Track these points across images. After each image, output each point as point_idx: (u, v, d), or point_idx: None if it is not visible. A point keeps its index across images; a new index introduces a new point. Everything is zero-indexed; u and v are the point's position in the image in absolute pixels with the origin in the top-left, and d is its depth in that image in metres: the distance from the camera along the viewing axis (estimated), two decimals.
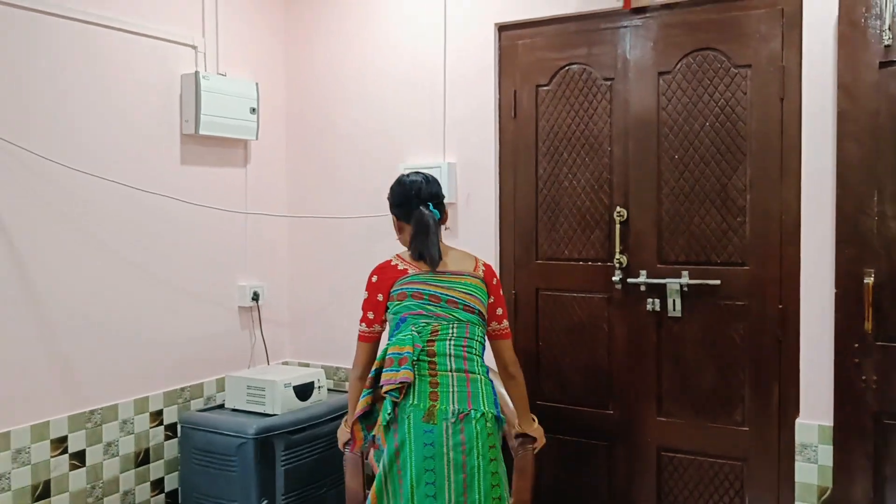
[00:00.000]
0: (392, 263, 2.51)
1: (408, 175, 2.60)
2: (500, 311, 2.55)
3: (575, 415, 3.10)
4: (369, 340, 2.50)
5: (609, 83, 2.99)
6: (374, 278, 2.51)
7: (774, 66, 2.71)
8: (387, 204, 2.62)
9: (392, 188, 2.61)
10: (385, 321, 2.50)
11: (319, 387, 3.26)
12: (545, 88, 3.11)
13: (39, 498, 2.71)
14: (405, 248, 2.59)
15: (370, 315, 2.49)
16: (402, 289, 2.43)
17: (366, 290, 2.51)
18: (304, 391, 3.18)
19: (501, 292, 2.59)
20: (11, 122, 2.61)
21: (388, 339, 2.46)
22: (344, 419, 2.68)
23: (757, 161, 2.74)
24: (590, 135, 3.03)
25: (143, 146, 3.06)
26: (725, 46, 2.78)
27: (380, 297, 2.47)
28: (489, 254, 3.18)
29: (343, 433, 2.64)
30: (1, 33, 2.59)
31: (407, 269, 2.47)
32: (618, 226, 2.96)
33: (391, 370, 2.32)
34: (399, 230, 2.61)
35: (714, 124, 2.81)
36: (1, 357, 2.58)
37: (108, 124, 2.93)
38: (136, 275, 3.04)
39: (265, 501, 2.93)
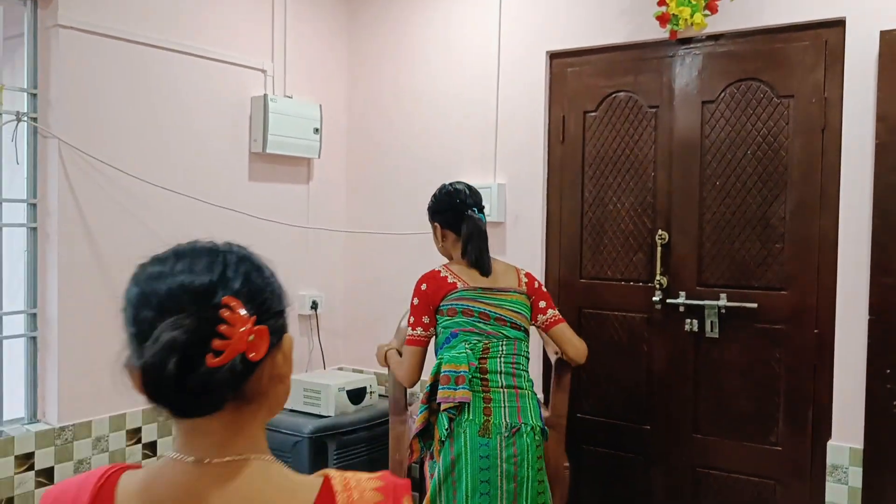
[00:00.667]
0: (441, 274, 2.56)
1: (451, 184, 2.68)
2: (542, 303, 2.60)
3: (613, 429, 3.22)
4: (422, 344, 2.55)
5: (654, 111, 3.11)
6: (424, 286, 2.56)
7: (817, 96, 2.79)
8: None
9: (436, 196, 2.68)
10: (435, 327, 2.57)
11: (371, 392, 3.45)
12: (592, 114, 3.25)
13: None
14: (447, 259, 2.67)
15: (425, 319, 2.53)
16: (451, 304, 2.50)
17: (415, 296, 2.57)
18: (356, 395, 3.37)
19: (544, 289, 2.66)
20: (101, 141, 2.89)
21: (437, 352, 2.56)
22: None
23: (797, 189, 2.83)
24: (634, 160, 3.16)
25: (215, 163, 3.31)
26: (769, 77, 2.88)
27: (431, 306, 2.54)
28: (536, 273, 3.32)
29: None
30: (93, 62, 2.87)
31: (456, 284, 2.52)
32: (659, 248, 3.07)
33: (448, 388, 2.40)
34: (442, 238, 2.66)
35: (756, 153, 2.90)
36: (87, 355, 2.85)
37: (184, 143, 3.19)
38: None
39: None
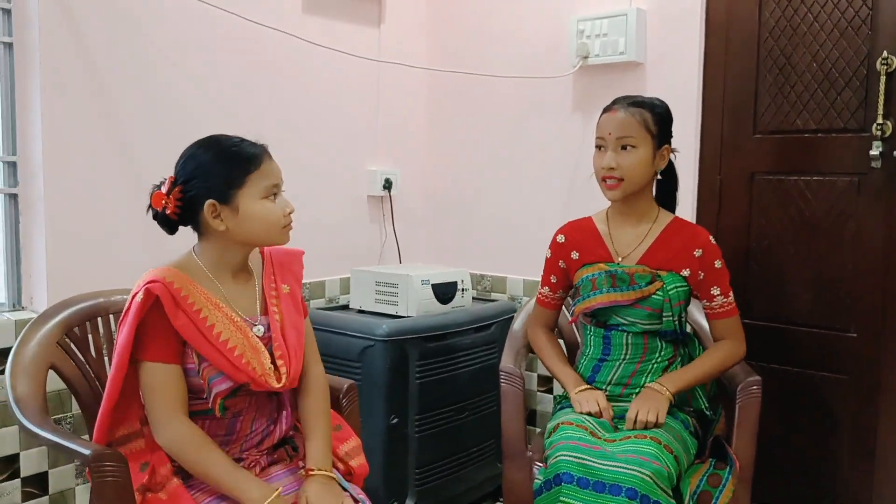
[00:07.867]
0: None
1: None
2: None
3: (801, 338, 2.34)
4: None
5: None
6: None
7: None
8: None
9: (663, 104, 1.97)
10: None
11: (463, 289, 2.65)
12: None
13: None
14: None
15: None
16: None
17: None
18: (444, 293, 2.57)
19: None
20: None
21: None
22: None
23: None
24: None
25: None
26: None
27: None
28: (687, 130, 2.44)
29: None
30: None
31: None
32: (882, 79, 2.13)
33: None
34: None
35: None
36: (84, 219, 2.12)
37: None
38: None
39: (395, 419, 2.36)
